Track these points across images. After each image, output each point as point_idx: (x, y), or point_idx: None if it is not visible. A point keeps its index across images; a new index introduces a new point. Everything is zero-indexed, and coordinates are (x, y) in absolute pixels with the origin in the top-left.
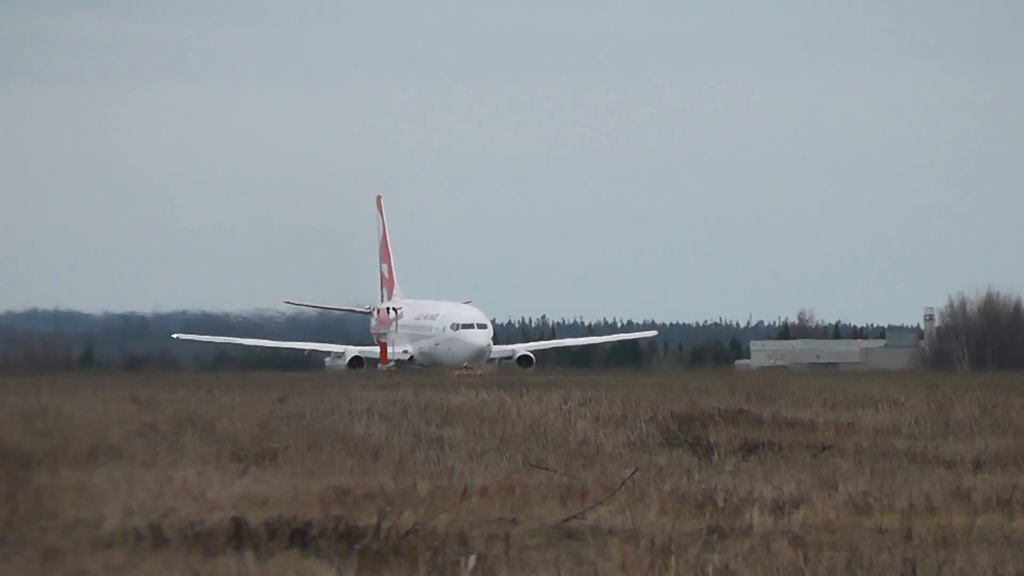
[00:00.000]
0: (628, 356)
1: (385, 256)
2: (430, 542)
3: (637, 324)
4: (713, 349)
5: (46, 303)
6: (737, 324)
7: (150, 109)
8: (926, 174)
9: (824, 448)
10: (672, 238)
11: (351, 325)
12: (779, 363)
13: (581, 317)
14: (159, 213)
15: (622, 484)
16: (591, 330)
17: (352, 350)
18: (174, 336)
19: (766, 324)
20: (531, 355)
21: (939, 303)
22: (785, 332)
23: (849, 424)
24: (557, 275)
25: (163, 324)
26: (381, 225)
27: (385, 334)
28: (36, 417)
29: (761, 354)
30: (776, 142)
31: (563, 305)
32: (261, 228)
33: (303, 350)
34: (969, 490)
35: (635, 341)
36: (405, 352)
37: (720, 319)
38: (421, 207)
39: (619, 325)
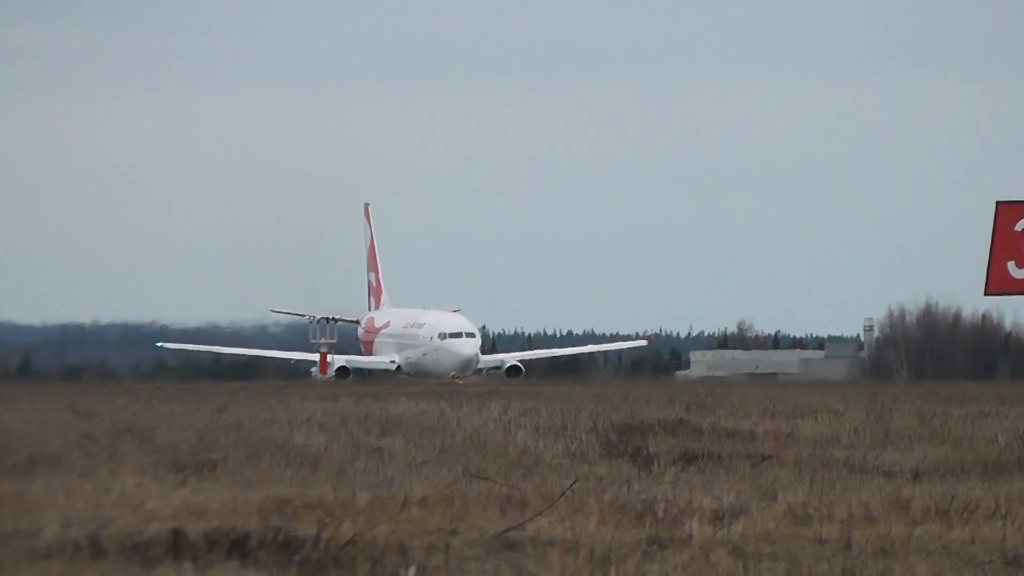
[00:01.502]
0: (567, 367)
1: (372, 264)
2: (370, 552)
3: (577, 335)
4: (653, 359)
5: None
6: (677, 334)
7: (133, 116)
8: (865, 185)
9: (763, 458)
10: (611, 248)
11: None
12: (719, 373)
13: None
14: (143, 221)
15: (562, 495)
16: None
17: (338, 359)
18: (158, 344)
19: (706, 334)
20: (520, 365)
21: (878, 313)
22: (725, 342)
23: (788, 434)
24: (537, 284)
25: (101, 334)
26: (369, 233)
27: (321, 344)
28: None
29: (701, 364)
30: (714, 153)
31: (540, 315)
32: (245, 236)
33: (289, 359)
34: (908, 500)
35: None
36: (392, 362)
37: (660, 329)
38: (409, 215)
39: (558, 336)
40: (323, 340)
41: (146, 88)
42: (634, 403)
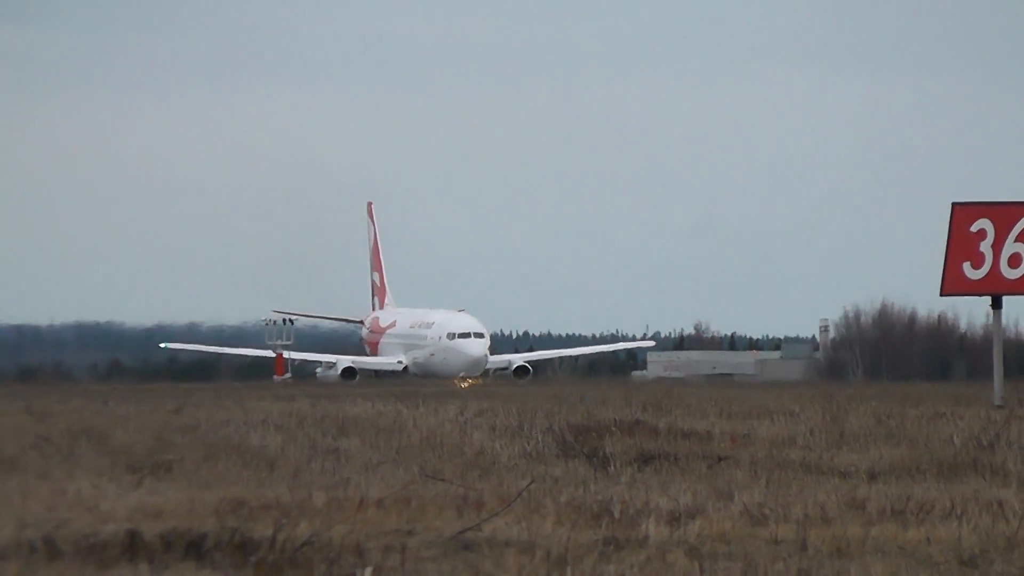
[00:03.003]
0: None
1: (376, 264)
2: (326, 553)
3: (534, 336)
4: (609, 360)
5: None
6: (633, 335)
7: (136, 115)
8: (821, 186)
9: (720, 459)
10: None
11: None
12: (675, 374)
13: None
14: (146, 220)
15: (518, 495)
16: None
17: (344, 360)
18: (161, 345)
19: (662, 335)
20: (528, 366)
21: (834, 314)
22: (681, 343)
23: (744, 435)
24: (536, 285)
25: (57, 335)
26: (372, 232)
27: (277, 345)
28: None
29: (657, 365)
30: (669, 153)
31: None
32: (248, 236)
33: (293, 360)
34: (864, 500)
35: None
36: (399, 362)
37: (617, 330)
38: (413, 214)
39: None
40: (278, 342)
41: (148, 88)
42: (590, 404)
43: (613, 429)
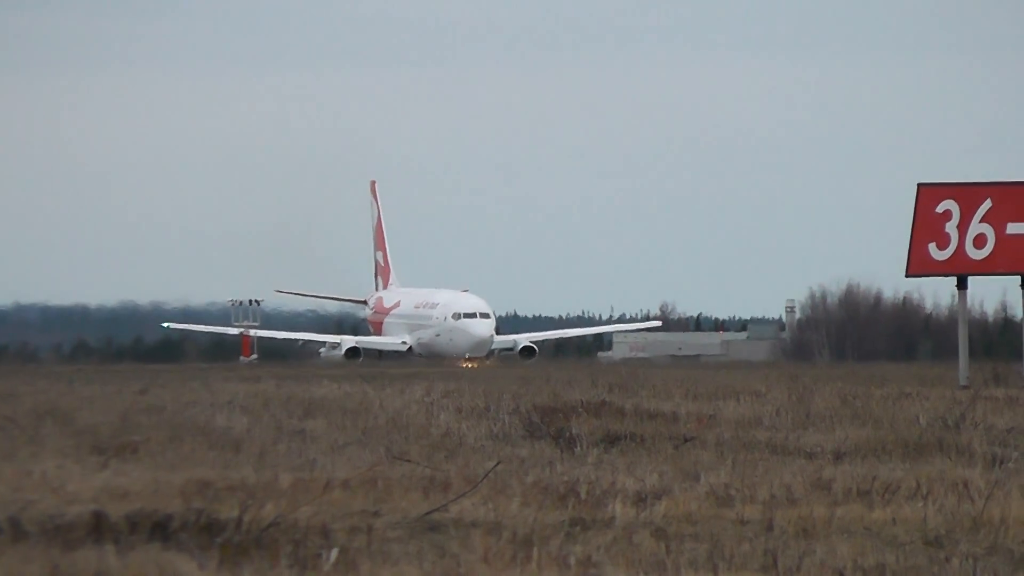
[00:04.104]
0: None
1: (380, 243)
2: (292, 535)
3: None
4: (575, 341)
5: None
6: (599, 316)
7: (138, 98)
8: (786, 167)
9: (686, 440)
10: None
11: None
12: (641, 355)
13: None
14: (144, 205)
15: (485, 476)
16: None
17: (348, 340)
18: (164, 325)
19: (628, 316)
20: (534, 346)
21: (800, 295)
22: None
23: (711, 416)
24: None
25: (23, 315)
26: (376, 211)
27: (244, 331)
28: None
29: (623, 346)
30: (636, 135)
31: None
32: (250, 215)
33: (297, 340)
34: (829, 481)
35: None
36: (403, 343)
37: (583, 311)
38: (417, 193)
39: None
40: (245, 323)
41: (150, 70)
42: (556, 385)
43: (579, 410)
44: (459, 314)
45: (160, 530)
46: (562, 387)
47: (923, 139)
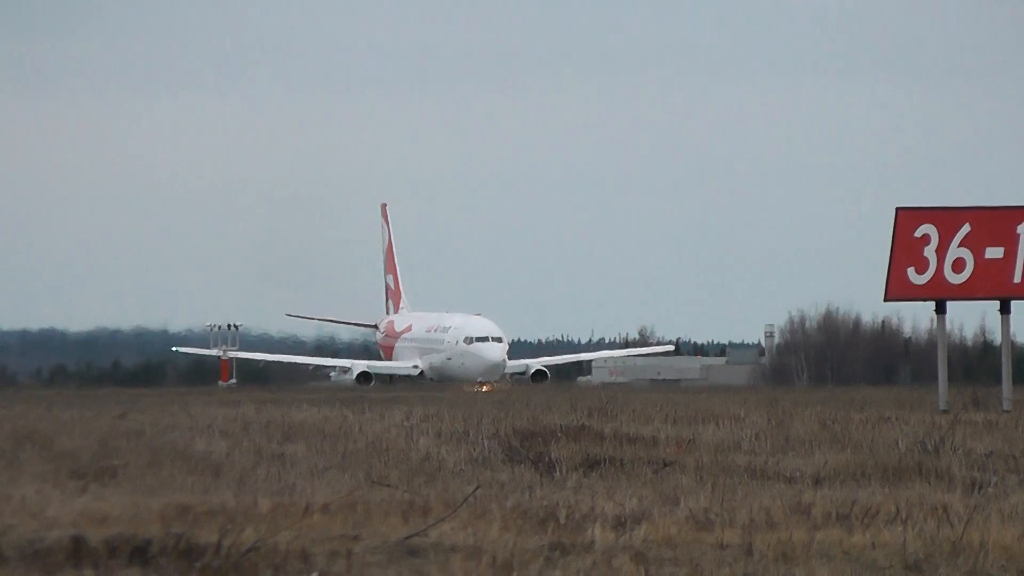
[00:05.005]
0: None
1: (390, 267)
2: (271, 559)
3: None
4: (556, 365)
5: None
6: (579, 340)
7: (149, 118)
8: (764, 191)
9: (665, 464)
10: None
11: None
12: (620, 379)
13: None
14: (155, 224)
15: (464, 501)
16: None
17: (360, 364)
18: (173, 349)
19: (608, 340)
20: (546, 370)
21: (779, 320)
22: (626, 348)
23: (690, 440)
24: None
25: (1, 340)
26: (386, 235)
27: (221, 356)
28: None
29: (603, 370)
30: (614, 158)
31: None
32: (259, 238)
33: (307, 365)
34: (809, 505)
35: None
36: (415, 367)
37: (562, 335)
38: (428, 216)
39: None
40: (223, 347)
41: (159, 90)
42: (536, 409)
43: (559, 434)
44: (471, 338)
45: (139, 555)
46: (541, 411)
47: (902, 163)
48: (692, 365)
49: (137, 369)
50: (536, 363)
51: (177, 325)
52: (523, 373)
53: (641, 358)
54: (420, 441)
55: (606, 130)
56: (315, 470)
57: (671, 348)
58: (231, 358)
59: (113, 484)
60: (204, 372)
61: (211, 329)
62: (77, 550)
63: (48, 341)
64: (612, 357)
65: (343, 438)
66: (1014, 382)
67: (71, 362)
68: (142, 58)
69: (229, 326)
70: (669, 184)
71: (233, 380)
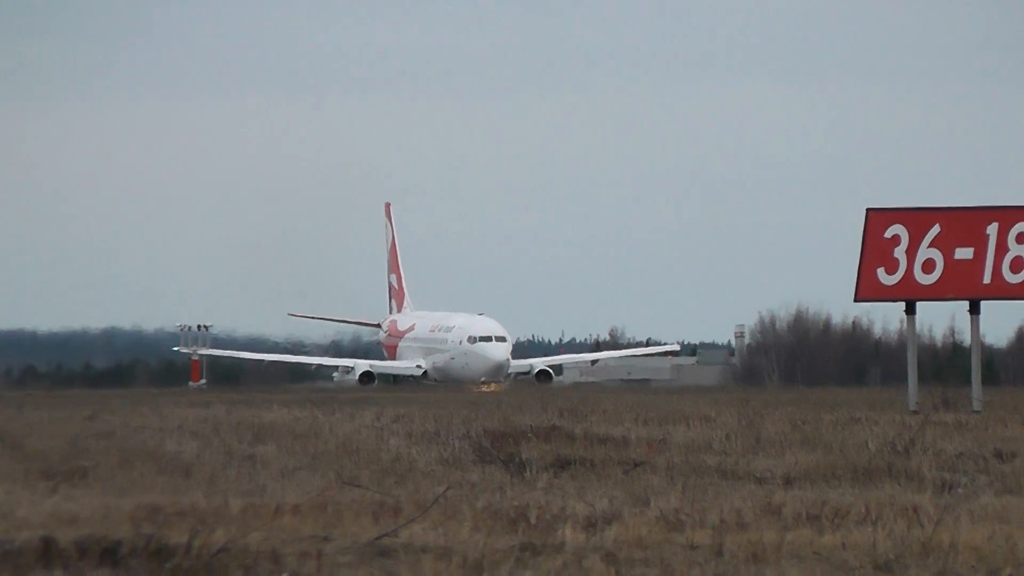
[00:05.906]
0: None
1: (394, 266)
2: (242, 560)
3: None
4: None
5: None
6: (549, 341)
7: (151, 117)
8: (734, 192)
9: (636, 464)
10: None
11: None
12: (591, 379)
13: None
14: (158, 224)
15: (435, 501)
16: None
17: (362, 364)
18: (174, 349)
19: (578, 341)
20: (550, 370)
21: (749, 320)
22: (597, 348)
23: (661, 440)
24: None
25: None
26: (390, 234)
27: (192, 355)
28: None
29: (573, 370)
30: (582, 159)
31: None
32: (262, 237)
33: (310, 365)
34: (779, 506)
35: None
36: (418, 367)
37: (532, 336)
38: (431, 215)
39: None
40: (195, 348)
41: (160, 90)
42: (507, 410)
43: (530, 435)
44: (475, 337)
45: (110, 556)
46: (512, 412)
47: (872, 163)
48: (662, 365)
49: (107, 370)
50: (541, 363)
51: (148, 325)
52: (527, 373)
53: (612, 357)
54: (391, 441)
55: (582, 133)
56: (286, 471)
57: (677, 348)
58: (201, 357)
59: (83, 485)
60: (174, 373)
61: (181, 330)
62: (47, 551)
63: (18, 342)
64: (614, 357)
65: (313, 438)
66: (983, 383)
67: (41, 363)
68: (157, 60)
69: (199, 326)
70: (638, 184)
71: (203, 381)
